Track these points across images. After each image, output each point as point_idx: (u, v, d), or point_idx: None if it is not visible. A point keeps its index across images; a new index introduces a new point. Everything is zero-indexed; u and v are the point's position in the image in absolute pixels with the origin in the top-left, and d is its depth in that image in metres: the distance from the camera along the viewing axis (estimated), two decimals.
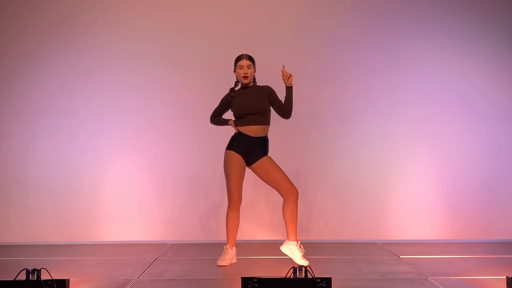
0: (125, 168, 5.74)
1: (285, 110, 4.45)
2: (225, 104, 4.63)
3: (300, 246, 4.40)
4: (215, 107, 4.72)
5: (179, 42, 5.81)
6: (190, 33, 5.82)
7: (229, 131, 5.71)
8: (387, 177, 5.72)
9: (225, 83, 5.75)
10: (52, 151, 5.74)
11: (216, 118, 4.71)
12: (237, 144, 4.45)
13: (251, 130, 4.42)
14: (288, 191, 4.41)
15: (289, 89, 4.41)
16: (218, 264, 4.39)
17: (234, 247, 4.53)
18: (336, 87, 5.74)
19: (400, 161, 5.73)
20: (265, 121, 4.47)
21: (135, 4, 5.86)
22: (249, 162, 4.46)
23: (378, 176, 5.71)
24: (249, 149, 4.43)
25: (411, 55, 5.79)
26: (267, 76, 5.74)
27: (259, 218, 5.72)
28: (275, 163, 4.47)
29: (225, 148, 4.51)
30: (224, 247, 4.54)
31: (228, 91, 4.60)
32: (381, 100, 5.77)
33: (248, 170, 4.53)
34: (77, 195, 5.70)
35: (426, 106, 5.75)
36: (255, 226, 5.72)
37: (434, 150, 5.73)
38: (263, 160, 4.45)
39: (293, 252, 4.38)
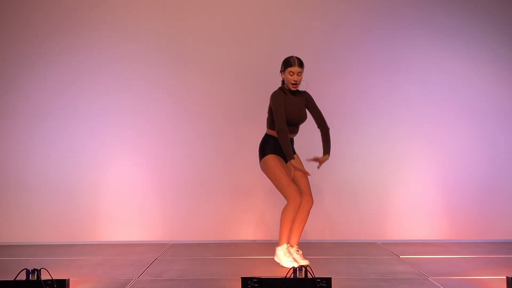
0: (125, 168, 5.74)
1: (327, 132, 4.50)
2: (284, 105, 4.34)
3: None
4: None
5: (180, 43, 5.81)
6: (191, 34, 5.82)
7: (230, 133, 5.73)
8: (387, 177, 5.72)
9: (225, 83, 5.78)
10: (52, 151, 5.74)
11: (288, 138, 4.30)
12: (274, 146, 4.39)
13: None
14: (305, 199, 4.40)
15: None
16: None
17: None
18: (336, 87, 5.74)
19: (400, 161, 5.73)
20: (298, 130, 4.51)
21: (136, 5, 5.85)
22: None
23: (378, 176, 5.71)
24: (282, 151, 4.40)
25: (411, 55, 5.79)
26: (267, 77, 5.77)
27: (259, 218, 5.72)
28: (302, 164, 4.47)
29: (261, 155, 4.42)
30: (287, 247, 4.36)
31: (278, 89, 4.44)
32: (381, 100, 5.77)
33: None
34: (77, 195, 5.70)
35: (426, 106, 5.75)
36: (255, 226, 5.72)
37: (434, 150, 5.73)
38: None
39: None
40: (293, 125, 4.42)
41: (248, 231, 5.71)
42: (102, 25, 5.82)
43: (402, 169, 5.72)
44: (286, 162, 4.39)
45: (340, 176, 5.71)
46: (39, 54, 5.79)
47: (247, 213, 5.72)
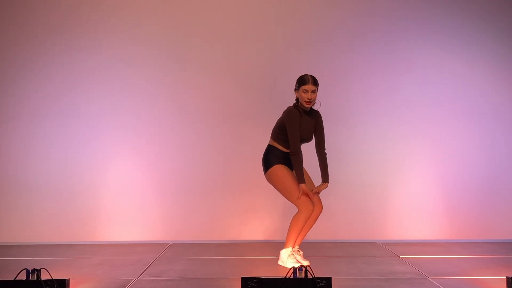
0: (125, 168, 5.74)
1: (324, 157, 4.49)
2: (299, 125, 4.34)
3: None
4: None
5: (180, 43, 5.80)
6: (191, 34, 5.81)
7: (230, 133, 5.73)
8: (387, 177, 5.72)
9: (226, 83, 5.78)
10: (52, 151, 5.73)
11: (301, 161, 4.32)
12: (279, 156, 4.39)
13: None
14: (316, 205, 4.42)
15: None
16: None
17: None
18: (336, 87, 5.74)
19: (400, 161, 5.72)
20: None
21: (137, 5, 5.85)
22: None
23: (378, 176, 5.71)
24: (287, 161, 4.40)
25: (411, 55, 5.78)
26: (267, 77, 5.76)
27: (259, 218, 5.72)
28: (309, 178, 4.50)
29: (267, 166, 4.42)
30: (292, 251, 4.37)
31: (292, 107, 4.39)
32: (381, 100, 5.77)
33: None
34: (77, 195, 5.70)
35: (426, 106, 5.75)
36: (255, 226, 5.72)
37: (434, 150, 5.73)
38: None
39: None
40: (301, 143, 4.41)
41: (248, 231, 5.71)
42: (102, 25, 5.81)
43: (402, 169, 5.72)
44: (292, 169, 4.42)
45: (341, 176, 5.69)
46: (39, 54, 5.79)
47: (247, 213, 5.72)
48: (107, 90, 5.77)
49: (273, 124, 4.53)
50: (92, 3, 5.83)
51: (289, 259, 4.31)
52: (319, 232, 5.66)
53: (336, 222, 5.70)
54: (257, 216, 5.72)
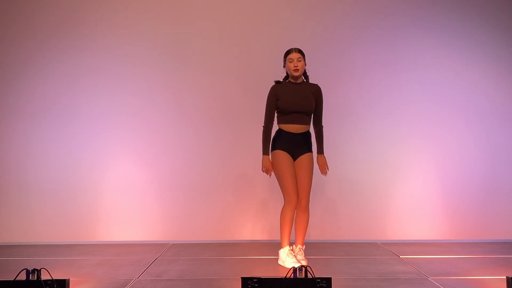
0: (125, 168, 5.74)
1: (320, 129, 4.54)
2: (274, 100, 4.38)
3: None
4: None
5: (181, 44, 5.80)
6: (191, 34, 5.82)
7: (230, 133, 5.74)
8: (387, 177, 5.72)
9: (225, 83, 5.78)
10: (52, 151, 5.74)
11: (269, 135, 4.41)
12: (280, 142, 4.39)
13: (294, 128, 4.38)
14: (301, 203, 4.40)
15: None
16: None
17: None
18: (336, 87, 5.73)
19: (400, 161, 5.72)
20: (309, 121, 4.44)
21: (137, 6, 5.85)
22: (294, 158, 4.42)
23: (378, 176, 5.71)
24: (292, 146, 4.38)
25: (411, 55, 5.78)
26: (267, 76, 5.76)
27: (259, 218, 5.72)
28: (311, 167, 4.44)
29: (272, 148, 4.43)
30: (289, 250, 4.36)
31: (272, 85, 4.45)
32: (381, 100, 5.77)
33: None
34: (77, 195, 5.70)
35: (426, 106, 5.75)
36: (256, 226, 5.72)
37: (434, 150, 5.73)
38: (304, 157, 4.42)
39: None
40: (287, 113, 4.37)
41: (248, 231, 5.71)
42: (103, 25, 5.81)
43: (403, 169, 5.72)
44: (295, 159, 4.40)
45: (340, 176, 5.70)
46: (39, 55, 5.79)
47: (247, 213, 5.72)
48: (107, 90, 5.77)
49: (274, 124, 4.52)
50: (92, 3, 5.83)
51: (287, 258, 4.31)
52: (319, 232, 5.67)
53: (336, 222, 5.70)
54: (257, 216, 5.72)
